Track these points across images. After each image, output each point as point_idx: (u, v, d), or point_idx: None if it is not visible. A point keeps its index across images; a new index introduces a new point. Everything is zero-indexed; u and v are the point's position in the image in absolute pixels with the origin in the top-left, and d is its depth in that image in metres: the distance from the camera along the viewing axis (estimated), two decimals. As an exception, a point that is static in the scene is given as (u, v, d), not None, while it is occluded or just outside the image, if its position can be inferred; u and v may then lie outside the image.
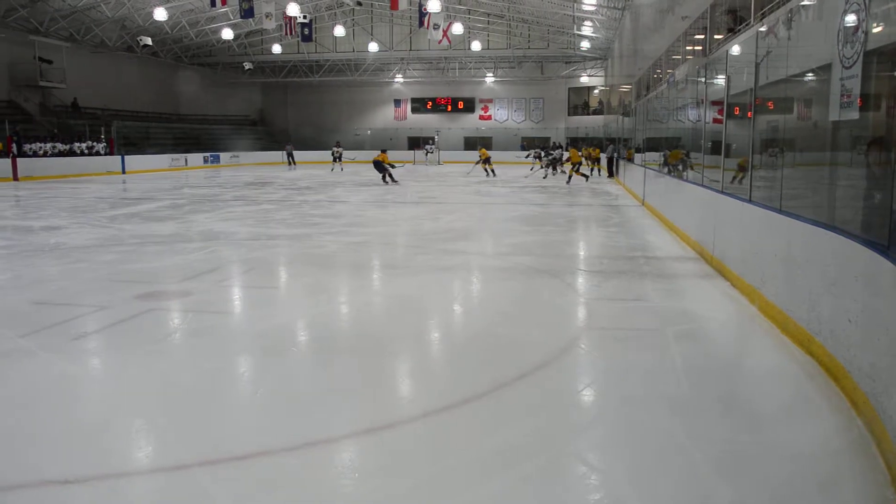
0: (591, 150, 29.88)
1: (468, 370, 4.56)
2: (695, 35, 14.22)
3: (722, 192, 7.60)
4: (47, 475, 3.08)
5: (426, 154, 39.73)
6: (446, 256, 8.94)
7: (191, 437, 3.49)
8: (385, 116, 46.61)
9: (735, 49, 7.54)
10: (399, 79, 45.17)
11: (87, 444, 3.42)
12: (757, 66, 6.37)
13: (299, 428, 3.59)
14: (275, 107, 48.12)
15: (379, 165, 23.00)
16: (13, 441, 3.45)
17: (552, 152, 27.63)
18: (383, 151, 24.01)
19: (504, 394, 4.10)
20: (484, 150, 28.23)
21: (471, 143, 42.91)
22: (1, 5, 26.95)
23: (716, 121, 8.33)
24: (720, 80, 8.08)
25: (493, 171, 27.03)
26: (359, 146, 40.66)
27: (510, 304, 6.47)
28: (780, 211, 5.50)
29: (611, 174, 27.59)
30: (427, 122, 45.45)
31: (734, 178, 7.50)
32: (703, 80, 9.26)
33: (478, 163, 27.70)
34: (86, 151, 28.25)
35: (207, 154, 36.07)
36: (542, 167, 27.38)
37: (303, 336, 5.51)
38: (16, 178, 23.65)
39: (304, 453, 3.34)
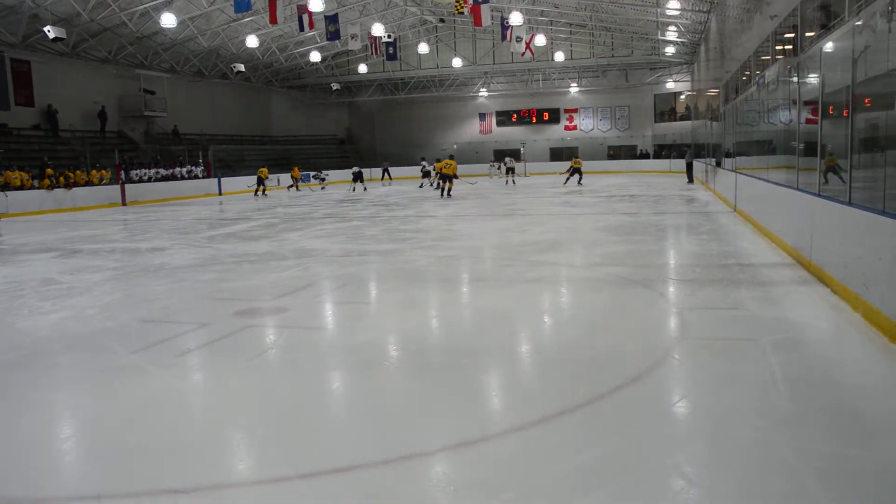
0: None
1: (562, 382, 4.54)
2: (784, 34, 13.77)
3: (819, 195, 7.31)
4: (160, 485, 3.25)
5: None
6: (536, 268, 8.92)
7: (290, 450, 3.61)
8: (471, 130, 46.76)
9: (829, 46, 7.26)
10: (483, 92, 45.29)
11: (193, 455, 3.58)
12: (854, 62, 6.12)
13: (394, 441, 3.66)
14: (362, 125, 49.02)
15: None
16: (129, 451, 3.65)
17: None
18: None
19: (598, 406, 4.06)
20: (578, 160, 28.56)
21: (556, 154, 42.60)
22: (113, 44, 28.92)
23: (809, 121, 8.02)
24: (813, 79, 7.79)
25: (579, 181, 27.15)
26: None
27: (602, 316, 6.41)
28: (883, 213, 5.25)
29: (690, 179, 28.06)
30: (512, 134, 45.33)
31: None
32: (795, 79, 8.95)
33: (567, 171, 27.75)
34: (185, 175, 29.65)
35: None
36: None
37: (395, 350, 5.60)
38: (124, 204, 25.01)
39: (400, 466, 3.39)
